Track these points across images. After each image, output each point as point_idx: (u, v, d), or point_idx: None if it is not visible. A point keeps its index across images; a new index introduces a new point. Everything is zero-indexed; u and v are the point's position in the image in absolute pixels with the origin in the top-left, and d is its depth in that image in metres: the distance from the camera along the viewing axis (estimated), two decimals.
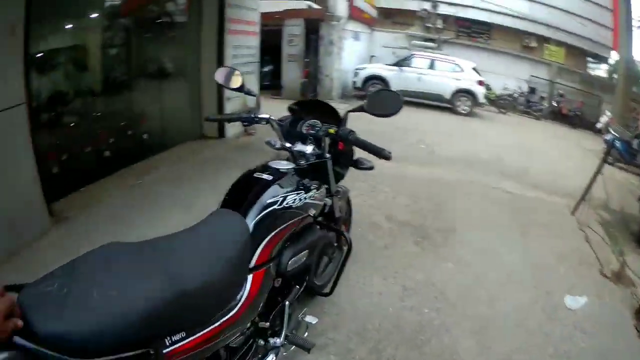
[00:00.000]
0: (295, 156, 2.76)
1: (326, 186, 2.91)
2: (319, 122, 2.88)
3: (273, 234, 2.31)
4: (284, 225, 2.39)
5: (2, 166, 4.45)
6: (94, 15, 9.57)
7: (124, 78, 9.82)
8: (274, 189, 2.40)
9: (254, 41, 9.09)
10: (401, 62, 15.33)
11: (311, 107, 3.07)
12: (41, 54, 9.77)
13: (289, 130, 2.87)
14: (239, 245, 2.09)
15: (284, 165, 2.62)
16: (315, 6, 14.62)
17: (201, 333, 1.86)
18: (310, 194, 2.58)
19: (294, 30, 14.70)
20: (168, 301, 1.68)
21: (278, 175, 2.50)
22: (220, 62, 8.14)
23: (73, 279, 1.65)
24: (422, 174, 6.40)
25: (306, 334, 2.80)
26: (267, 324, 2.50)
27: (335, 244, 3.44)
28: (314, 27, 14.60)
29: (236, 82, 2.91)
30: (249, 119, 2.89)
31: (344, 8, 14.86)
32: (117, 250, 1.87)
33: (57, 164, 6.87)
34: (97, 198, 5.57)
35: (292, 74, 14.96)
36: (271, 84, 15.54)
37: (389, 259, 4.07)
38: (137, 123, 8.37)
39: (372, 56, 17.47)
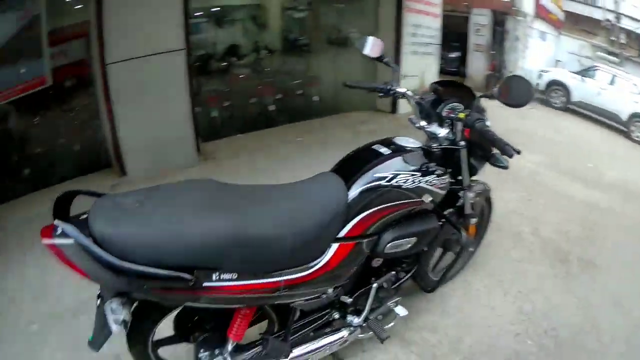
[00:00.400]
0: (428, 136, 2.61)
1: (457, 177, 2.71)
2: (462, 106, 2.63)
3: (373, 210, 2.18)
4: (388, 205, 2.23)
5: (162, 99, 5.27)
6: None
7: (301, 40, 10.16)
8: (387, 164, 2.28)
9: (435, 23, 8.74)
10: (583, 72, 14.03)
11: (455, 88, 2.84)
12: (217, 8, 10.36)
13: (429, 111, 2.65)
14: (329, 210, 2.05)
15: (410, 143, 2.48)
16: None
17: (255, 281, 1.88)
18: (427, 178, 2.36)
19: (480, 20, 14.12)
20: (225, 240, 1.74)
21: (398, 151, 2.38)
22: (397, 39, 8.05)
23: (149, 199, 1.76)
24: (582, 195, 5.75)
25: (392, 324, 2.68)
26: (350, 300, 2.45)
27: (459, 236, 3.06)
28: (500, 19, 13.94)
29: (376, 51, 2.69)
30: (384, 90, 2.71)
31: (530, 5, 14.02)
32: (207, 186, 1.95)
33: (218, 109, 7.27)
34: (249, 146, 5.85)
35: (477, 64, 14.45)
36: (458, 71, 15.16)
37: (518, 275, 3.72)
38: (308, 85, 8.77)
39: (558, 61, 16.31)
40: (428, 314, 3.18)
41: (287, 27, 10.62)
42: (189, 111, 5.66)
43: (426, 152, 2.48)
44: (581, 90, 13.33)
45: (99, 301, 1.77)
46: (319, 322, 2.45)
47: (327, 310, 2.47)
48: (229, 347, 2.15)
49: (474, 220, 3.08)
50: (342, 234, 2.13)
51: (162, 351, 2.31)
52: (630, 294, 3.65)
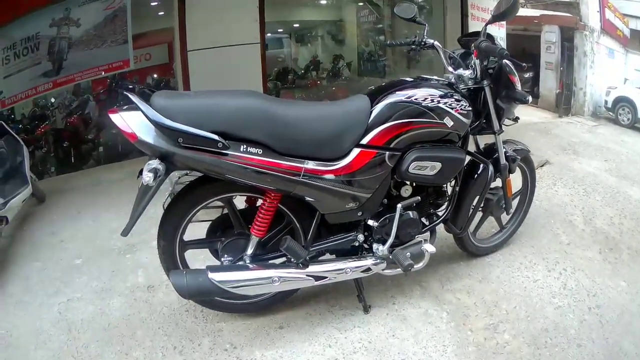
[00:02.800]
0: (456, 81, 2.62)
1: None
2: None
3: (393, 123, 2.26)
4: (407, 120, 2.29)
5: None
6: None
7: (377, 56, 10.14)
8: (411, 87, 2.39)
9: (500, 32, 8.53)
10: None
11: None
12: (297, 25, 10.59)
13: (459, 63, 2.72)
14: (350, 114, 2.23)
15: (434, 77, 2.60)
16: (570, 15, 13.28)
17: (277, 160, 2.02)
18: (446, 100, 2.38)
19: (550, 37, 13.57)
20: (255, 113, 1.99)
21: (421, 80, 2.54)
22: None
23: (202, 92, 2.14)
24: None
25: (421, 264, 2.56)
26: (376, 224, 2.45)
27: (500, 199, 3.08)
28: (568, 36, 13.28)
29: (409, 13, 2.81)
30: (417, 43, 2.80)
31: (597, 20, 13.18)
32: (251, 91, 2.17)
33: None
34: None
35: (549, 82, 13.84)
36: (532, 91, 14.46)
37: (565, 255, 3.46)
38: None
39: (626, 79, 15.55)
40: (467, 278, 3.04)
41: (364, 42, 10.69)
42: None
43: (452, 86, 2.56)
44: None
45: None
46: (342, 240, 2.46)
47: (352, 233, 2.46)
48: (251, 246, 2.27)
49: (511, 179, 3.02)
50: (364, 141, 2.23)
51: (190, 257, 2.47)
52: None
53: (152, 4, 6.54)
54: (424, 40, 2.76)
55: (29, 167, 4.29)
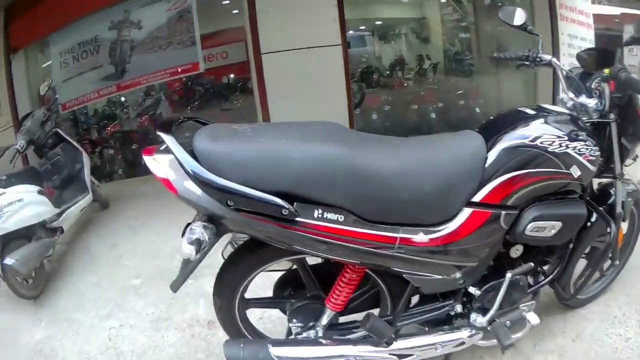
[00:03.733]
0: (577, 110, 2.25)
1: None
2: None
3: (514, 174, 1.88)
4: (531, 170, 1.90)
5: (322, 88, 5.57)
6: None
7: (463, 55, 9.89)
8: (533, 124, 1.98)
9: (589, 34, 7.94)
10: None
11: (604, 56, 2.47)
12: (380, 22, 10.39)
13: (578, 85, 2.30)
14: (461, 164, 1.84)
15: (558, 109, 2.18)
16: None
17: (364, 230, 1.65)
18: (575, 144, 1.97)
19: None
20: (334, 167, 1.57)
21: (545, 113, 2.08)
22: (554, 51, 7.39)
23: (266, 128, 1.79)
24: None
25: (521, 334, 2.27)
26: (478, 292, 2.11)
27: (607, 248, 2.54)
28: None
29: (519, 19, 2.41)
30: (530, 58, 2.40)
31: None
32: (331, 126, 1.80)
33: (377, 111, 7.31)
34: None
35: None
36: None
37: None
38: (468, 97, 8.64)
39: None
40: (560, 336, 2.79)
41: (449, 41, 10.36)
42: (346, 109, 5.75)
43: (577, 122, 2.13)
44: None
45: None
46: (436, 312, 2.14)
47: (448, 301, 2.15)
48: (325, 318, 1.99)
49: (623, 224, 2.54)
50: (477, 198, 1.86)
51: (251, 315, 2.24)
52: None
53: (224, 2, 6.53)
54: (539, 55, 2.36)
55: (89, 174, 4.42)
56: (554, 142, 1.91)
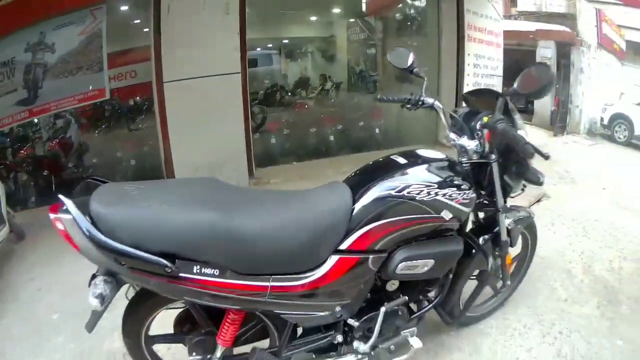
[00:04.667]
0: (458, 152, 2.37)
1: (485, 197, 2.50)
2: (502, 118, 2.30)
3: (381, 222, 1.99)
4: (398, 218, 2.02)
5: (217, 120, 5.57)
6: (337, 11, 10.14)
7: (367, 73, 10.42)
8: (402, 173, 2.12)
9: (497, 53, 8.41)
10: None
11: (488, 97, 2.52)
12: (286, 40, 10.67)
13: (462, 125, 2.39)
14: (326, 217, 1.93)
15: (434, 154, 2.27)
16: (569, 30, 13.32)
17: (238, 281, 1.79)
18: (446, 190, 2.11)
19: (546, 53, 13.57)
20: (203, 231, 1.70)
21: (414, 160, 2.20)
22: (459, 71, 7.84)
23: (150, 188, 1.88)
24: None
25: (405, 356, 2.37)
26: (357, 323, 2.21)
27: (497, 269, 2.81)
28: (564, 51, 13.32)
29: (406, 62, 2.57)
30: (413, 102, 2.54)
31: (593, 34, 13.28)
32: (208, 184, 1.98)
33: (277, 136, 7.49)
34: (304, 174, 6.08)
35: (544, 99, 13.46)
36: (526, 108, 14.52)
37: (562, 314, 3.36)
38: (370, 117, 8.80)
39: (622, 93, 15.52)
40: (456, 351, 2.91)
41: (354, 60, 10.90)
42: (244, 134, 5.83)
43: (453, 167, 2.26)
44: None
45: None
46: (319, 342, 2.24)
47: (330, 332, 2.24)
48: (218, 351, 2.08)
49: (510, 249, 2.74)
50: (344, 246, 1.96)
51: (158, 350, 2.35)
52: None
53: (136, 21, 6.49)
54: (421, 98, 2.53)
55: (4, 205, 4.27)
56: (422, 191, 2.04)
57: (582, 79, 13.08)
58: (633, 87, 15.21)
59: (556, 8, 14.82)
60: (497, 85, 8.38)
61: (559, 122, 12.77)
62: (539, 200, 5.87)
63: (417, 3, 8.77)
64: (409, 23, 9.46)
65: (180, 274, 1.71)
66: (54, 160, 6.72)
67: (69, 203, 1.62)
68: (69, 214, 1.62)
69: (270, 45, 10.30)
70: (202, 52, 5.33)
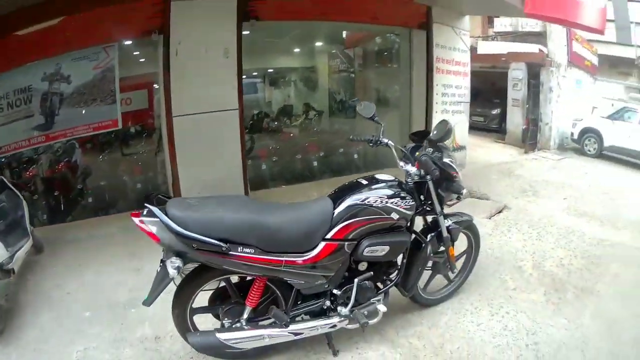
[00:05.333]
0: (405, 174, 3.41)
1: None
2: (431, 149, 3.54)
3: (351, 221, 3.03)
4: (362, 218, 3.06)
5: (218, 149, 6.34)
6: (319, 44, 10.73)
7: (348, 102, 11.14)
8: (364, 190, 3.17)
9: (464, 82, 9.23)
10: (614, 115, 13.68)
11: (424, 136, 3.69)
12: (272, 70, 11.21)
13: (407, 157, 3.50)
14: (317, 219, 2.98)
15: (386, 177, 3.34)
16: (544, 49, 13.88)
17: (265, 256, 2.79)
18: (393, 200, 3.18)
19: (517, 74, 14.23)
20: (245, 225, 2.74)
21: (374, 182, 3.26)
22: (428, 99, 8.62)
23: (204, 201, 2.89)
24: (594, 233, 5.89)
25: (376, 319, 3.31)
26: (339, 292, 3.21)
27: (445, 261, 3.87)
28: (535, 72, 13.93)
29: (369, 112, 3.53)
30: (374, 141, 3.53)
31: (564, 54, 13.95)
32: (242, 198, 3.20)
33: (267, 163, 8.12)
34: (291, 196, 6.50)
35: (515, 119, 14.47)
36: (499, 128, 15.49)
37: (510, 299, 4.12)
38: (350, 144, 9.39)
39: (594, 107, 15.88)
40: (418, 326, 3.73)
41: (335, 89, 11.60)
42: (241, 161, 6.59)
43: (400, 184, 3.34)
44: (612, 134, 13.02)
45: (159, 267, 2.73)
46: (314, 306, 3.20)
47: (320, 300, 3.20)
48: (245, 313, 3.01)
49: (456, 246, 3.85)
50: (329, 235, 2.99)
51: (197, 320, 3.17)
52: (624, 319, 3.89)
53: (134, 53, 7.19)
54: (379, 139, 3.51)
55: (29, 220, 4.68)
56: (377, 200, 3.12)
57: (552, 97, 13.75)
58: (603, 100, 15.84)
59: (531, 27, 15.61)
60: (464, 110, 9.24)
61: (529, 140, 13.44)
62: (499, 212, 6.61)
63: (391, 37, 9.51)
64: (385, 54, 10.25)
65: (230, 252, 2.67)
66: (64, 182, 7.22)
67: (155, 210, 2.57)
68: (152, 217, 2.57)
69: (254, 74, 10.93)
70: (205, 90, 6.06)
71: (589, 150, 13.36)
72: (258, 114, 10.22)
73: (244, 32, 6.46)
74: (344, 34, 10.80)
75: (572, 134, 14.11)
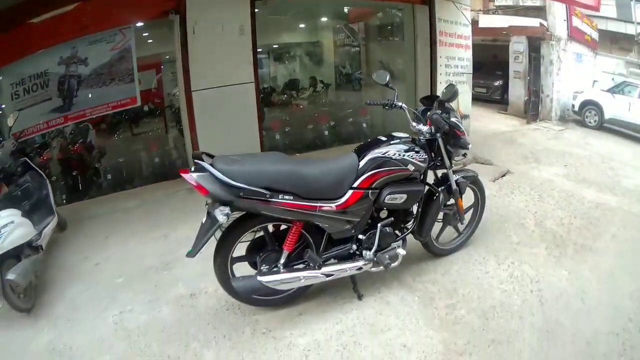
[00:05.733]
0: (418, 133, 3.77)
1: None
2: (439, 111, 3.78)
3: (374, 171, 3.38)
4: (383, 169, 3.42)
5: (239, 118, 6.67)
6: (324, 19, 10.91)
7: (353, 75, 11.40)
8: (383, 145, 3.52)
9: (466, 54, 9.46)
10: (614, 89, 13.98)
11: (434, 100, 3.94)
12: (276, 45, 11.38)
13: (420, 118, 3.85)
14: (346, 170, 3.35)
15: (401, 135, 3.68)
16: (545, 23, 14.10)
17: (301, 202, 3.12)
18: (409, 153, 3.53)
19: (518, 47, 14.48)
20: (285, 175, 3.07)
21: (392, 139, 3.61)
22: (432, 71, 8.86)
23: (248, 157, 3.21)
24: (593, 197, 6.21)
25: (397, 263, 3.65)
26: (364, 237, 3.57)
27: (455, 214, 4.26)
28: (536, 45, 14.18)
29: (384, 78, 3.90)
30: (390, 105, 3.94)
31: (563, 28, 14.23)
32: (276, 154, 3.39)
33: (280, 133, 8.41)
34: None
35: (517, 90, 14.78)
36: (502, 99, 15.74)
37: (514, 252, 4.44)
38: (358, 114, 9.73)
39: (595, 81, 16.01)
40: (432, 273, 4.11)
41: (341, 63, 11.81)
42: (257, 131, 6.91)
43: (414, 141, 3.68)
44: (612, 107, 13.33)
45: (204, 218, 3.01)
46: (342, 250, 3.55)
47: (348, 244, 3.55)
48: (282, 258, 3.34)
49: (463, 199, 4.20)
50: (355, 185, 3.34)
51: (235, 269, 3.44)
52: (622, 275, 4.17)
53: (144, 34, 7.42)
54: (394, 103, 3.91)
55: (53, 199, 4.86)
56: (395, 153, 3.47)
57: (552, 70, 13.98)
58: (604, 75, 16.26)
59: (532, 2, 15.84)
60: (467, 81, 9.48)
61: (531, 111, 13.72)
62: (503, 175, 6.92)
63: (395, 11, 9.72)
64: (389, 28, 10.48)
65: (272, 199, 3.01)
66: (81, 162, 7.51)
67: (206, 165, 2.87)
68: (202, 172, 2.88)
69: (259, 50, 11.09)
70: (222, 65, 6.38)
71: (590, 122, 13.63)
72: (264, 88, 10.42)
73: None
74: (348, 9, 11.01)
75: (572, 105, 14.39)
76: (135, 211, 5.81)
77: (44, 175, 4.97)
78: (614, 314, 3.64)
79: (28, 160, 4.96)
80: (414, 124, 3.82)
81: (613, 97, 13.55)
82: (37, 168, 4.98)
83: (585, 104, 14.02)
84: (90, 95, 6.48)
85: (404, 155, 3.51)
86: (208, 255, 3.24)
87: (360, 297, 3.70)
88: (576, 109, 14.27)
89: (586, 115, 13.84)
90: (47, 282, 4.15)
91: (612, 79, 15.47)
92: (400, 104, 3.88)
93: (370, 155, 3.42)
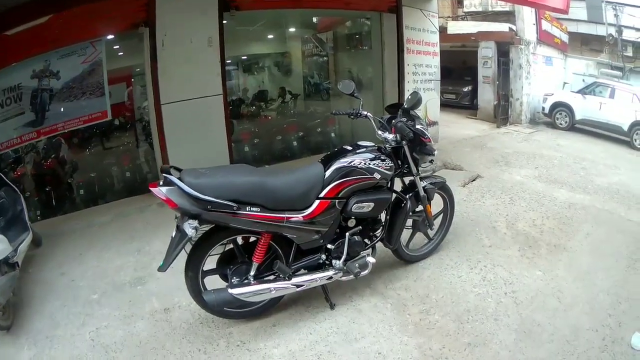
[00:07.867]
0: (383, 141, 3.83)
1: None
2: (405, 119, 3.87)
3: (340, 180, 3.44)
4: (349, 178, 3.48)
5: (208, 130, 6.69)
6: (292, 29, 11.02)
7: (322, 84, 11.51)
8: (349, 154, 3.58)
9: (434, 61, 9.56)
10: (584, 90, 14.30)
11: (397, 107, 4.04)
12: (245, 57, 11.41)
13: (385, 126, 3.94)
14: (312, 180, 3.39)
15: (367, 143, 3.75)
16: (514, 28, 14.31)
17: (269, 214, 3.16)
18: (374, 162, 3.60)
19: (487, 52, 14.64)
20: (253, 187, 3.12)
21: (358, 148, 3.68)
22: (400, 79, 8.94)
23: (215, 170, 3.21)
24: (565, 198, 6.33)
25: (367, 271, 3.71)
26: (332, 246, 3.63)
27: (424, 220, 4.35)
28: (504, 50, 14.35)
29: (349, 88, 3.94)
30: (355, 114, 3.98)
31: (533, 32, 14.50)
32: (243, 166, 3.45)
33: (249, 144, 8.54)
34: None
35: (486, 95, 14.85)
36: (471, 104, 15.84)
37: (486, 255, 4.52)
38: (326, 123, 9.84)
39: (565, 83, 16.41)
40: (404, 279, 4.18)
41: (309, 73, 11.89)
42: (226, 143, 6.93)
43: (379, 149, 3.74)
44: (583, 107, 13.66)
45: (174, 232, 3.06)
46: (311, 260, 3.60)
47: (316, 255, 3.61)
48: (252, 270, 3.37)
49: (432, 205, 4.32)
50: (322, 194, 3.40)
51: (207, 282, 3.46)
52: (596, 271, 4.30)
53: (115, 47, 7.29)
54: (359, 112, 3.96)
55: (27, 215, 4.75)
56: (361, 162, 3.54)
57: (521, 73, 14.18)
58: (574, 76, 16.64)
59: (501, 7, 15.97)
60: (435, 88, 9.63)
61: (501, 115, 13.81)
62: (473, 180, 7.04)
63: (363, 20, 9.83)
64: (357, 37, 10.58)
65: (239, 212, 3.05)
66: (54, 177, 7.40)
67: (174, 178, 2.92)
68: (170, 185, 2.91)
69: (229, 61, 11.09)
70: (191, 78, 6.41)
71: (561, 124, 13.96)
72: (233, 100, 10.38)
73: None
74: (316, 19, 11.07)
75: (543, 108, 14.70)
76: (109, 226, 5.78)
77: (18, 191, 4.89)
78: (592, 310, 3.74)
79: (2, 176, 4.88)
80: (379, 132, 3.90)
81: (584, 98, 13.88)
82: (11, 184, 4.90)
83: (556, 106, 14.32)
84: (62, 109, 6.39)
85: (369, 164, 3.58)
86: (180, 269, 3.30)
87: (332, 307, 3.74)
88: (546, 111, 14.55)
89: (557, 117, 14.14)
90: (27, 298, 4.16)
91: (583, 80, 15.82)
92: (365, 112, 3.95)
93: (336, 165, 3.49)
